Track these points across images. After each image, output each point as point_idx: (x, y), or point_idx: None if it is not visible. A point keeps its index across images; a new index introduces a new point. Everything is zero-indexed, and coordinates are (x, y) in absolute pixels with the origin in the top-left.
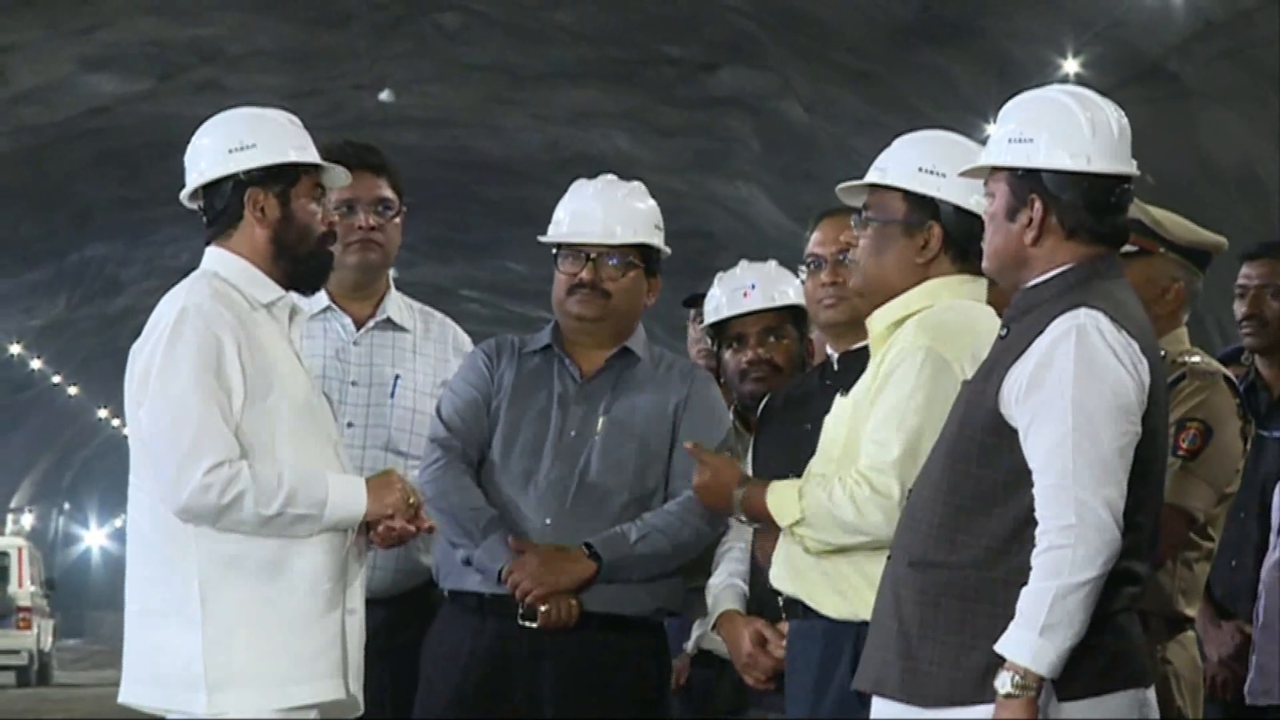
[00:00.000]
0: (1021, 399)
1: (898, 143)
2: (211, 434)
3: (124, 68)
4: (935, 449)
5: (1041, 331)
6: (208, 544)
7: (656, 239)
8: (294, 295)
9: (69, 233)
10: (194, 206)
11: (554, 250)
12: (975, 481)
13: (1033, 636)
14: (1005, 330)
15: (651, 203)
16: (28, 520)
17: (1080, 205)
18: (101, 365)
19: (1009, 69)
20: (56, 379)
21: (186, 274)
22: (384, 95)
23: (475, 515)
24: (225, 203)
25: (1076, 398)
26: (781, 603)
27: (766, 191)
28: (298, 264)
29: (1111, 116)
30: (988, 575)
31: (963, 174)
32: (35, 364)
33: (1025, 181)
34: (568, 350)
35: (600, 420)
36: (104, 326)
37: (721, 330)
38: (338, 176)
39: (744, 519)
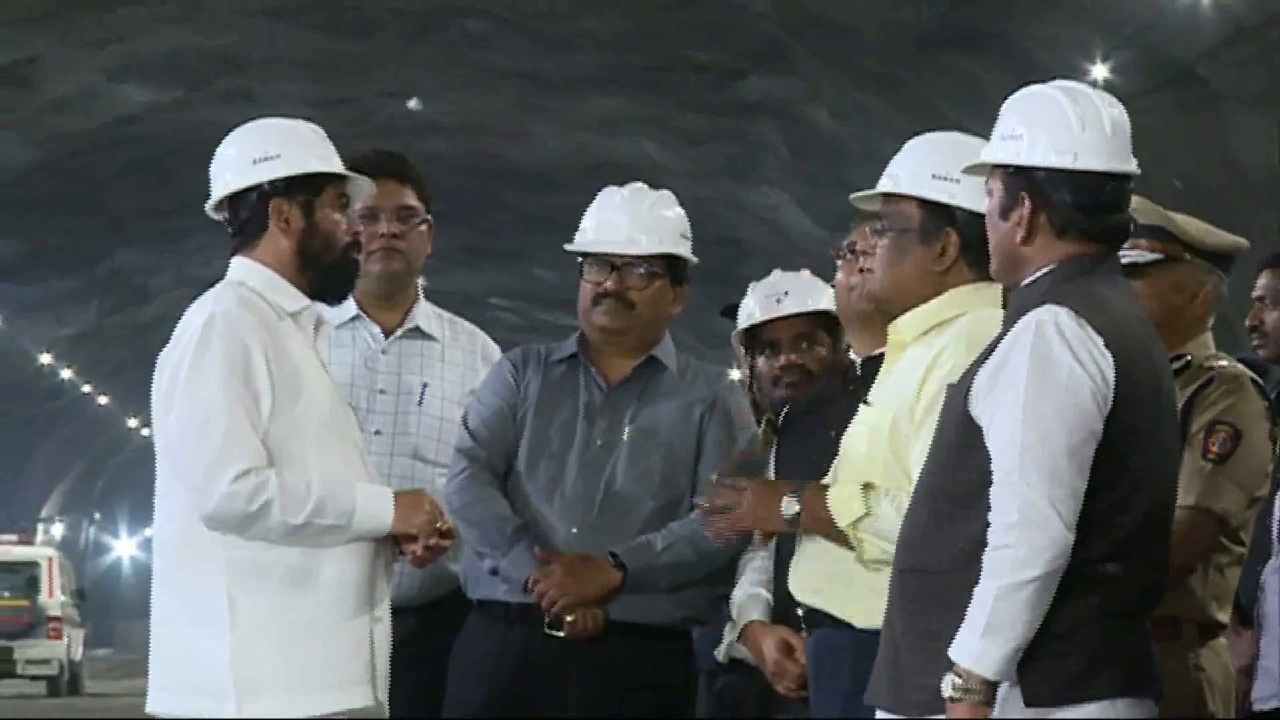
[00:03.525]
0: (983, 398)
1: (909, 148)
2: (239, 441)
3: (153, 77)
4: (927, 456)
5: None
6: (235, 551)
7: (683, 248)
8: (320, 305)
9: (99, 242)
10: (219, 217)
11: (580, 259)
12: (952, 485)
13: (975, 639)
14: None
15: (679, 211)
16: (58, 530)
17: (1069, 203)
18: (131, 374)
19: (1035, 74)
20: (87, 388)
21: (215, 282)
22: (412, 103)
23: (501, 525)
24: (250, 213)
25: (1028, 396)
26: (801, 614)
27: (794, 198)
28: (323, 273)
29: (1105, 112)
30: (961, 580)
31: (965, 171)
32: (65, 373)
33: (1016, 179)
34: (594, 359)
35: (626, 430)
36: (134, 335)
37: (754, 337)
38: (362, 187)
39: (798, 525)
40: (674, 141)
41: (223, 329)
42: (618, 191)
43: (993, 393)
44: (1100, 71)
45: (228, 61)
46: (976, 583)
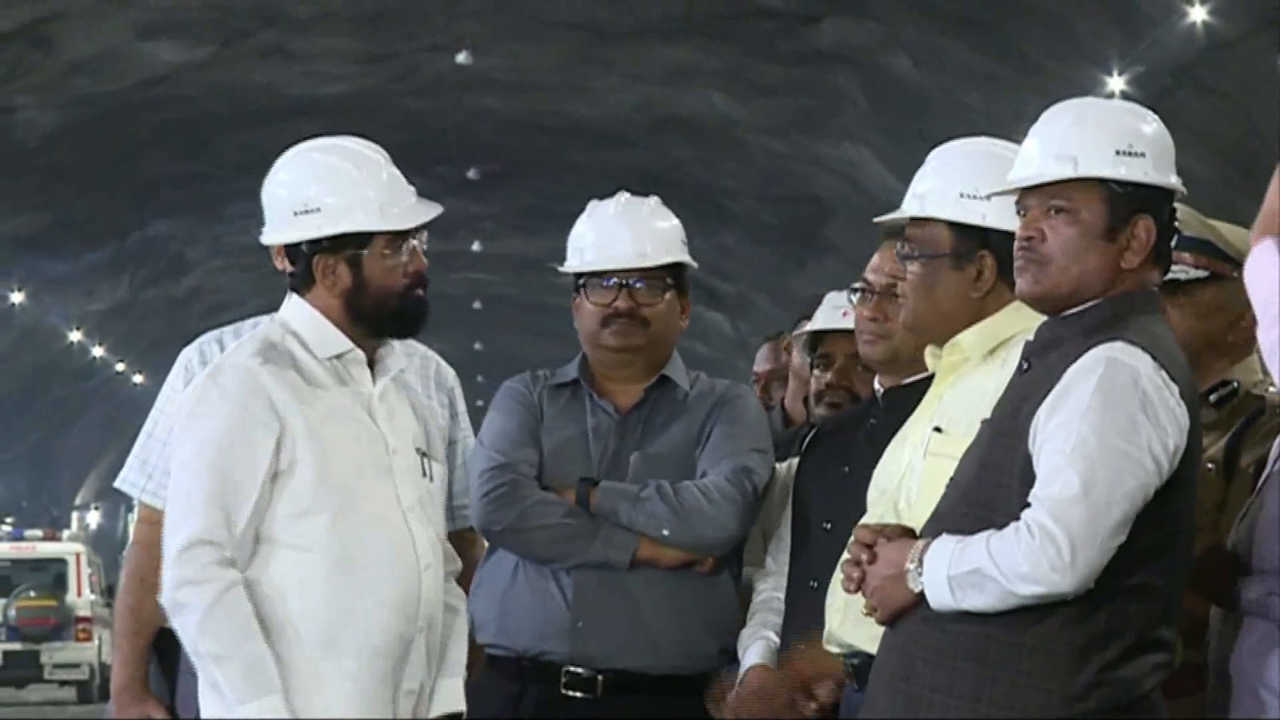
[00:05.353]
0: (1039, 432)
1: (933, 163)
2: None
3: (183, 33)
4: (949, 492)
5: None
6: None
7: (686, 255)
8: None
9: (130, 210)
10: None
11: (579, 280)
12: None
13: (942, 576)
14: (1026, 364)
15: (675, 219)
16: (94, 518)
17: (1166, 226)
18: (168, 351)
19: (1131, 16)
20: (120, 367)
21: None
22: (461, 57)
23: (577, 512)
24: (298, 267)
25: (1082, 432)
26: (856, 663)
27: (875, 152)
28: (381, 322)
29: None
30: (1013, 640)
31: (1041, 184)
32: (97, 351)
33: (1132, 199)
34: (601, 383)
35: (633, 458)
36: (170, 309)
37: (815, 348)
38: (418, 216)
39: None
40: (745, 93)
41: (225, 381)
42: (608, 203)
43: (1047, 426)
44: (1199, 14)
45: (263, 15)
46: (1028, 644)
